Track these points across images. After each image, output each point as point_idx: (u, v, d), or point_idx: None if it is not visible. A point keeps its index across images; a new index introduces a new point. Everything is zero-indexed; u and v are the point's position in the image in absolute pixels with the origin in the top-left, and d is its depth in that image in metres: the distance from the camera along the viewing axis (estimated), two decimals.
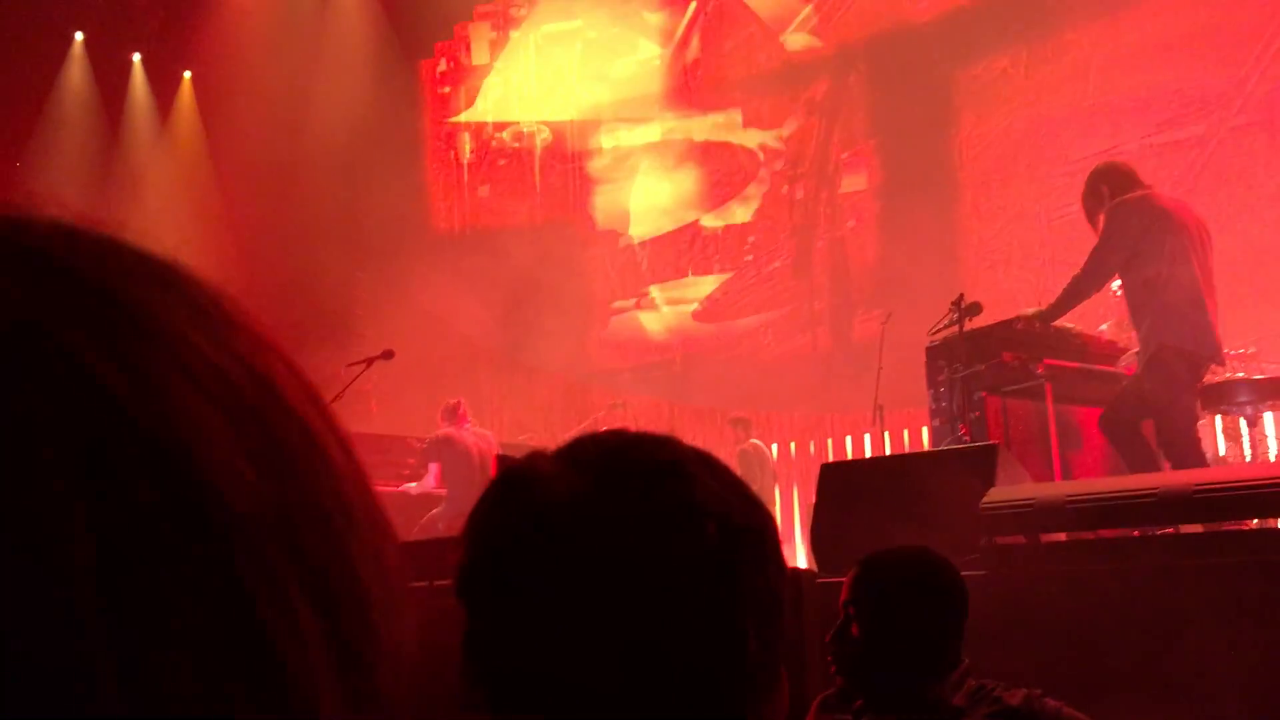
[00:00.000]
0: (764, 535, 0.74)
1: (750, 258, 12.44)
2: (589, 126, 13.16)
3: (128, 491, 0.29)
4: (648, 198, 12.83)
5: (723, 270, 12.53)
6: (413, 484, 8.15)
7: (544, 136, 13.29)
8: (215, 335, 0.34)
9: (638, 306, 12.80)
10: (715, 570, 0.69)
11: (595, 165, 13.06)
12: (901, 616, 2.08)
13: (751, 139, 12.56)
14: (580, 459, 0.74)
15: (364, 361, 7.81)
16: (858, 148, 11.92)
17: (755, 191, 12.50)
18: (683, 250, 12.69)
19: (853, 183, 11.93)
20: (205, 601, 0.29)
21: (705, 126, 12.71)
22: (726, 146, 12.64)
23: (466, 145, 13.54)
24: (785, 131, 12.34)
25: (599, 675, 0.68)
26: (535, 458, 0.76)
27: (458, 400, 8.34)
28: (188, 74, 12.75)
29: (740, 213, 12.56)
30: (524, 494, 0.73)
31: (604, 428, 0.91)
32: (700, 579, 0.69)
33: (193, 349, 0.33)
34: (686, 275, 12.63)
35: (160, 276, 0.35)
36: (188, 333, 0.33)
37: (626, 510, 0.70)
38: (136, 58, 12.57)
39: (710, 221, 12.65)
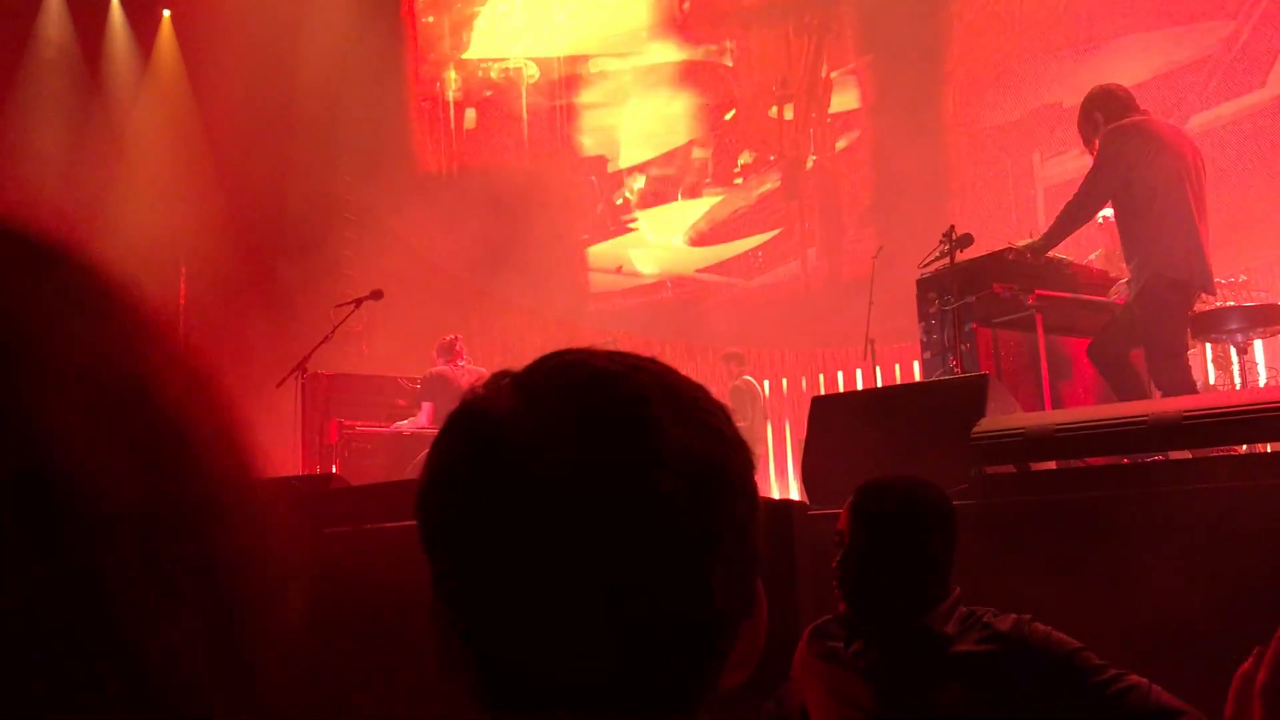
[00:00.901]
0: (728, 473, 0.71)
1: (740, 181, 12.40)
2: (577, 61, 13.01)
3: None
4: (636, 123, 12.74)
5: (712, 194, 12.49)
6: (404, 422, 8.16)
7: (530, 73, 13.13)
8: (87, 329, 0.34)
9: (628, 233, 12.77)
10: (672, 514, 0.68)
11: (583, 93, 12.94)
12: (897, 544, 2.10)
13: (740, 59, 12.44)
14: (539, 393, 0.71)
15: (353, 302, 7.79)
16: (847, 67, 11.83)
17: (744, 113, 12.41)
18: (672, 175, 12.63)
19: (842, 102, 11.85)
20: (62, 597, 0.28)
21: (693, 52, 12.59)
22: (715, 68, 12.53)
23: (453, 82, 13.37)
24: (774, 52, 12.23)
25: (548, 619, 0.67)
26: (495, 388, 0.73)
27: (454, 337, 8.31)
28: (167, 12, 12.54)
29: (729, 135, 12.49)
30: (478, 430, 0.71)
31: None
32: (656, 523, 0.67)
33: (57, 345, 0.32)
34: (676, 199, 12.59)
35: (36, 263, 0.35)
36: (55, 327, 0.32)
37: (580, 453, 0.68)
38: None
39: (699, 145, 12.58)
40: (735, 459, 0.73)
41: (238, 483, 0.36)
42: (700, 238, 12.53)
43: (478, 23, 13.38)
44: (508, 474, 0.68)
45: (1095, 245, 6.71)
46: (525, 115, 13.11)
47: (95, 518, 0.29)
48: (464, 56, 13.39)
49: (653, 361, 0.75)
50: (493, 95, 13.24)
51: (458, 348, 8.25)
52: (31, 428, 0.29)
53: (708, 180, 12.55)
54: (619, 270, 12.71)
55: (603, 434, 0.69)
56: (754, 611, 0.74)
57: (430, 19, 13.43)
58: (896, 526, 2.11)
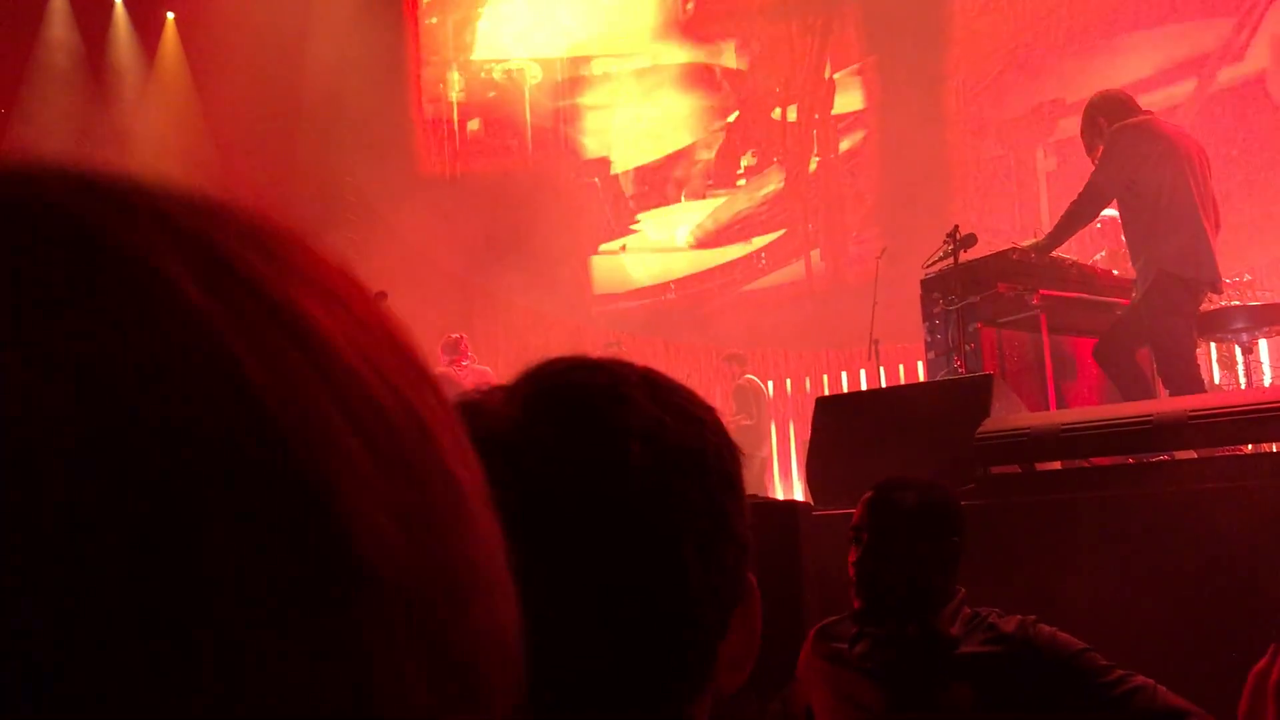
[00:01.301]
0: (704, 455, 0.71)
1: (743, 182, 12.40)
2: (580, 62, 13.02)
3: (252, 509, 0.24)
4: (639, 125, 12.75)
5: (715, 196, 12.50)
6: None
7: (533, 74, 13.14)
8: (360, 344, 0.28)
9: (631, 235, 12.78)
10: (642, 494, 0.68)
11: (586, 94, 12.95)
12: (918, 543, 2.09)
13: (743, 61, 12.45)
14: (519, 387, 0.73)
15: None
16: (851, 68, 11.84)
17: (747, 115, 12.42)
18: (675, 176, 12.65)
19: (846, 103, 11.86)
20: (318, 669, 0.24)
21: (697, 53, 12.60)
22: (718, 69, 12.54)
23: (456, 83, 13.38)
24: (777, 53, 12.24)
25: (531, 601, 0.67)
26: (490, 390, 0.74)
27: (460, 336, 8.28)
28: (171, 15, 12.57)
29: (733, 136, 12.50)
30: (468, 424, 0.71)
31: None
32: (626, 504, 0.68)
33: (334, 354, 0.27)
34: (679, 201, 12.60)
35: (317, 281, 0.29)
36: (345, 352, 0.27)
37: (551, 436, 0.69)
38: (119, 1, 12.39)
39: (702, 146, 12.59)
40: (714, 444, 0.73)
41: (500, 555, 0.32)
42: (703, 239, 12.54)
43: (481, 24, 13.39)
44: (492, 464, 0.68)
45: (1100, 246, 6.70)
46: (528, 116, 13.11)
47: (366, 576, 0.25)
48: (467, 58, 13.39)
49: (642, 366, 0.76)
50: (496, 96, 13.25)
51: (463, 347, 8.22)
52: (314, 443, 0.25)
53: (710, 182, 12.56)
54: (623, 250, 12.71)
55: (575, 411, 0.70)
56: (745, 603, 0.74)
57: (434, 20, 13.44)
58: (918, 525, 2.10)
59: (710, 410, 0.75)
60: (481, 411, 0.72)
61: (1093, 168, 5.25)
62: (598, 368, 0.73)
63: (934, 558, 2.10)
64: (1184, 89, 9.61)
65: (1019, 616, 2.09)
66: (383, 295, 7.78)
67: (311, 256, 0.31)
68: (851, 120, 11.88)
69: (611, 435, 0.69)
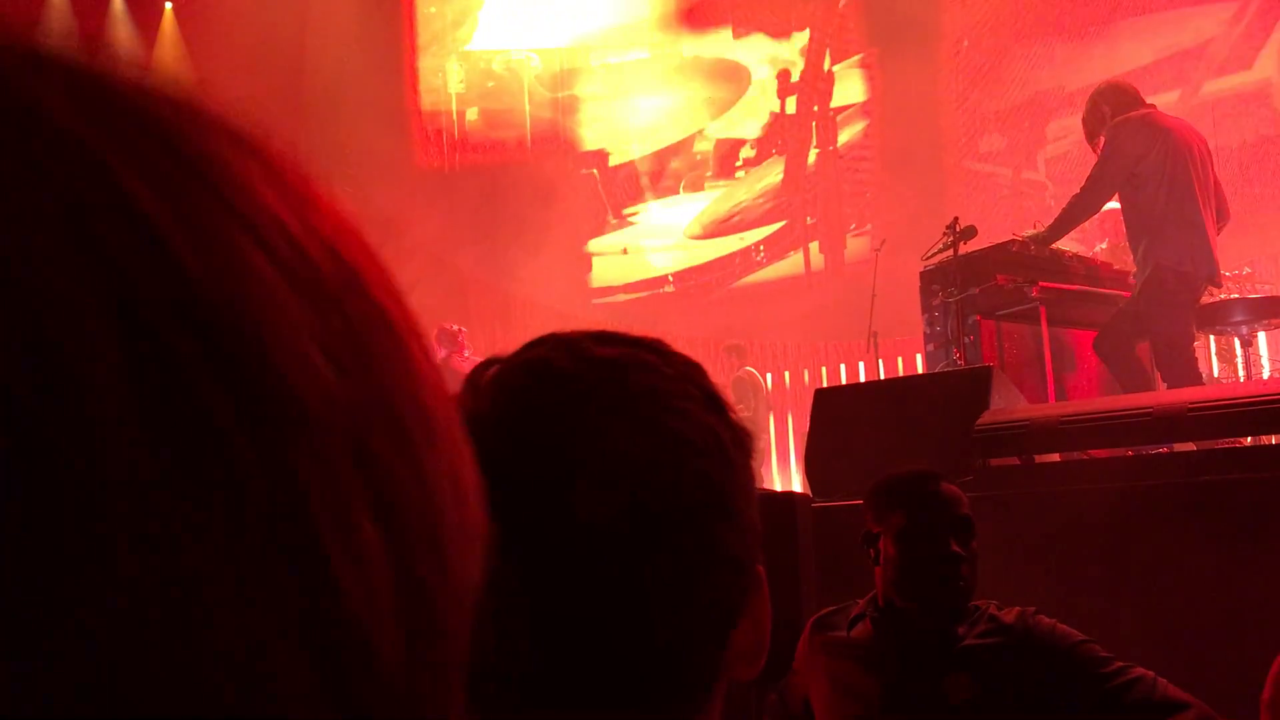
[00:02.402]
0: (713, 456, 0.69)
1: (742, 174, 12.40)
2: (580, 53, 13.00)
3: (172, 362, 0.23)
4: (638, 116, 12.73)
5: (714, 188, 12.49)
6: None
7: (533, 65, 13.12)
8: (293, 203, 0.28)
9: (629, 227, 12.77)
10: (654, 501, 0.66)
11: (585, 86, 12.93)
12: (962, 535, 2.08)
13: (742, 53, 12.44)
14: (485, 380, 0.71)
15: None
16: (851, 60, 11.84)
17: (747, 107, 12.41)
18: (674, 168, 12.64)
19: (845, 95, 11.86)
20: (252, 508, 0.23)
21: (696, 44, 12.58)
22: (718, 62, 12.52)
23: (455, 73, 13.36)
24: (777, 45, 12.23)
25: (509, 616, 0.66)
26: (478, 377, 0.73)
27: (458, 328, 8.16)
28: (169, 5, 12.54)
29: (732, 128, 12.49)
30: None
31: None
32: (635, 509, 0.66)
33: (265, 212, 0.27)
34: (678, 193, 12.59)
35: (232, 131, 0.30)
36: (261, 193, 0.27)
37: (552, 436, 0.67)
38: None
39: (701, 138, 12.58)
40: (725, 440, 0.70)
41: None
42: (702, 231, 12.53)
43: (480, 14, 13.36)
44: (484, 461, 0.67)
45: (1102, 236, 6.71)
46: (528, 108, 13.09)
47: (300, 412, 0.24)
48: (466, 48, 13.37)
49: (646, 349, 0.74)
50: (495, 87, 13.23)
51: (461, 338, 8.10)
52: (238, 294, 0.24)
53: (709, 174, 12.55)
54: (624, 252, 12.70)
55: (539, 438, 0.68)
56: (753, 594, 0.73)
57: (432, 9, 13.41)
58: (968, 521, 2.09)
59: (717, 399, 0.73)
60: (466, 403, 0.71)
61: (1093, 155, 5.25)
62: (570, 379, 0.70)
63: (972, 550, 2.09)
64: (1185, 81, 9.61)
65: (1018, 608, 2.09)
66: None
67: (269, 145, 0.30)
68: (851, 112, 11.87)
69: (617, 430, 0.67)
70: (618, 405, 0.69)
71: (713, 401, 0.73)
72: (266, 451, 0.24)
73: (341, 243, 0.29)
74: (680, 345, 0.76)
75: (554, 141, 12.95)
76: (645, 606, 0.67)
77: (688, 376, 0.73)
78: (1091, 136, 5.32)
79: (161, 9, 12.53)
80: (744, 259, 12.29)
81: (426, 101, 13.36)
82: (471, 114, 13.27)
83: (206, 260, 0.24)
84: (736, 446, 0.72)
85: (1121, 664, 1.97)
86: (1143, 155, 5.01)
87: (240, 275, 0.24)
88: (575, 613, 0.66)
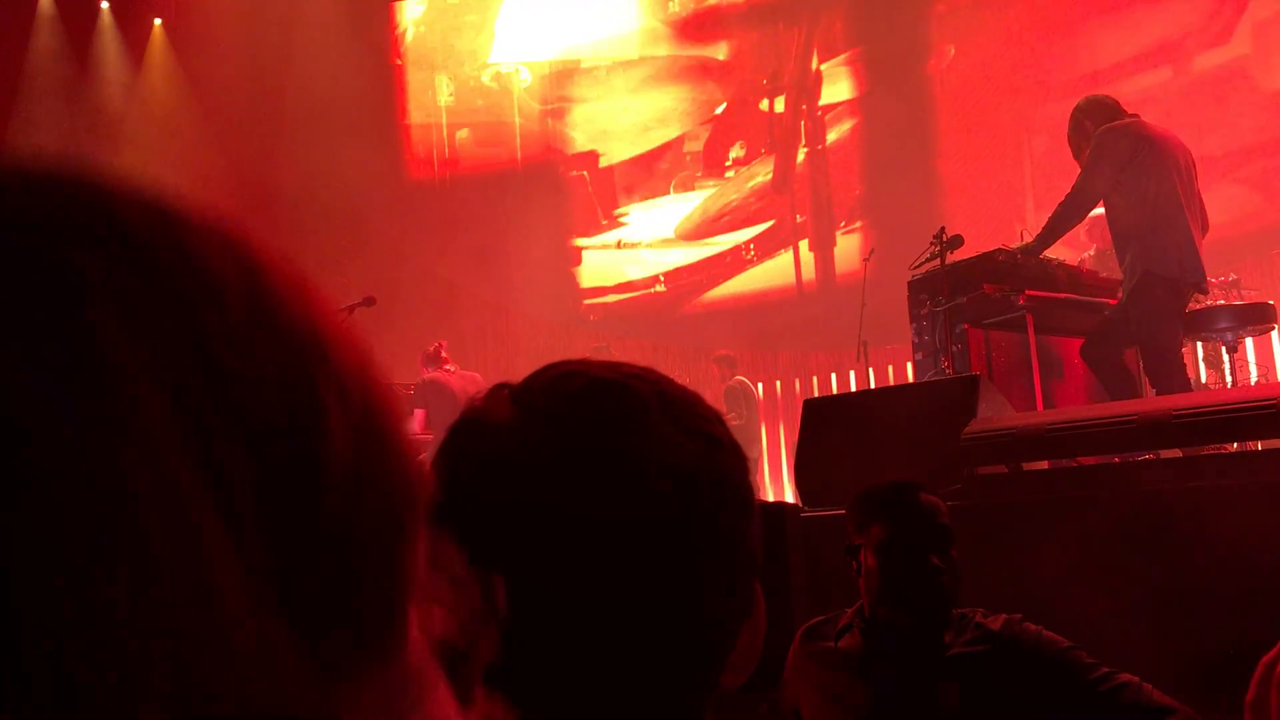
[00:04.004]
0: (722, 479, 0.71)
1: (731, 174, 12.43)
2: (568, 59, 13.03)
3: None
4: (627, 117, 12.76)
5: (704, 188, 12.52)
6: None
7: (522, 76, 13.14)
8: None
9: (619, 228, 12.79)
10: (664, 526, 0.68)
11: (574, 89, 12.95)
12: (943, 544, 2.08)
13: (730, 52, 12.48)
14: (536, 405, 0.72)
15: (345, 309, 7.79)
16: (838, 59, 11.89)
17: (735, 106, 12.45)
18: (664, 169, 12.66)
19: (833, 94, 11.91)
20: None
21: (685, 45, 12.62)
22: (706, 61, 12.56)
23: (444, 86, 13.38)
24: (764, 44, 12.28)
25: (545, 629, 0.67)
26: (494, 400, 0.74)
27: (438, 344, 8.29)
28: (158, 21, 12.53)
29: (721, 128, 12.52)
30: (476, 443, 0.72)
31: None
32: (647, 535, 0.67)
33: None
34: (668, 193, 12.62)
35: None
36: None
37: (575, 464, 0.68)
38: (105, 5, 12.35)
39: (690, 138, 12.61)
40: (729, 465, 0.73)
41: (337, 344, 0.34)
42: (692, 231, 12.55)
43: (469, 29, 13.39)
44: (506, 488, 0.69)
45: (1089, 244, 6.74)
46: (517, 119, 13.11)
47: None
48: (456, 62, 13.39)
49: (648, 371, 0.75)
50: (484, 101, 13.25)
51: (443, 354, 8.23)
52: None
53: (699, 174, 12.58)
54: (619, 245, 12.71)
55: (596, 443, 0.69)
56: (751, 614, 0.74)
57: (422, 28, 13.45)
58: (948, 530, 2.10)
59: (719, 418, 0.75)
60: (484, 430, 0.72)
61: (1078, 169, 5.27)
62: (612, 385, 0.72)
63: (959, 560, 2.10)
64: (1165, 71, 9.67)
65: (1005, 615, 2.10)
66: (371, 300, 7.80)
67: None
68: (839, 111, 11.91)
69: (635, 465, 0.68)
70: (663, 411, 0.71)
71: (718, 426, 0.75)
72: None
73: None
74: (671, 355, 0.78)
75: (544, 148, 12.96)
76: (637, 612, 0.68)
77: (691, 399, 0.75)
78: (1077, 151, 5.34)
79: (150, 23, 12.52)
80: (734, 258, 12.31)
81: (415, 116, 13.38)
82: (461, 129, 13.29)
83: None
84: (737, 466, 0.75)
85: (1108, 670, 1.98)
86: (1127, 162, 5.04)
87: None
88: (566, 617, 0.67)
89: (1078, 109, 5.35)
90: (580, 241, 12.82)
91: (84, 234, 0.29)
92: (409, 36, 13.44)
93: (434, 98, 13.34)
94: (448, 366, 8.11)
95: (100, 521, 0.25)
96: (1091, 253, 6.68)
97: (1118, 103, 5.31)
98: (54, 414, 0.26)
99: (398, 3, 13.45)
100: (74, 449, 0.26)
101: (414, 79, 13.42)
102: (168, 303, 0.29)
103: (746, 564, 0.73)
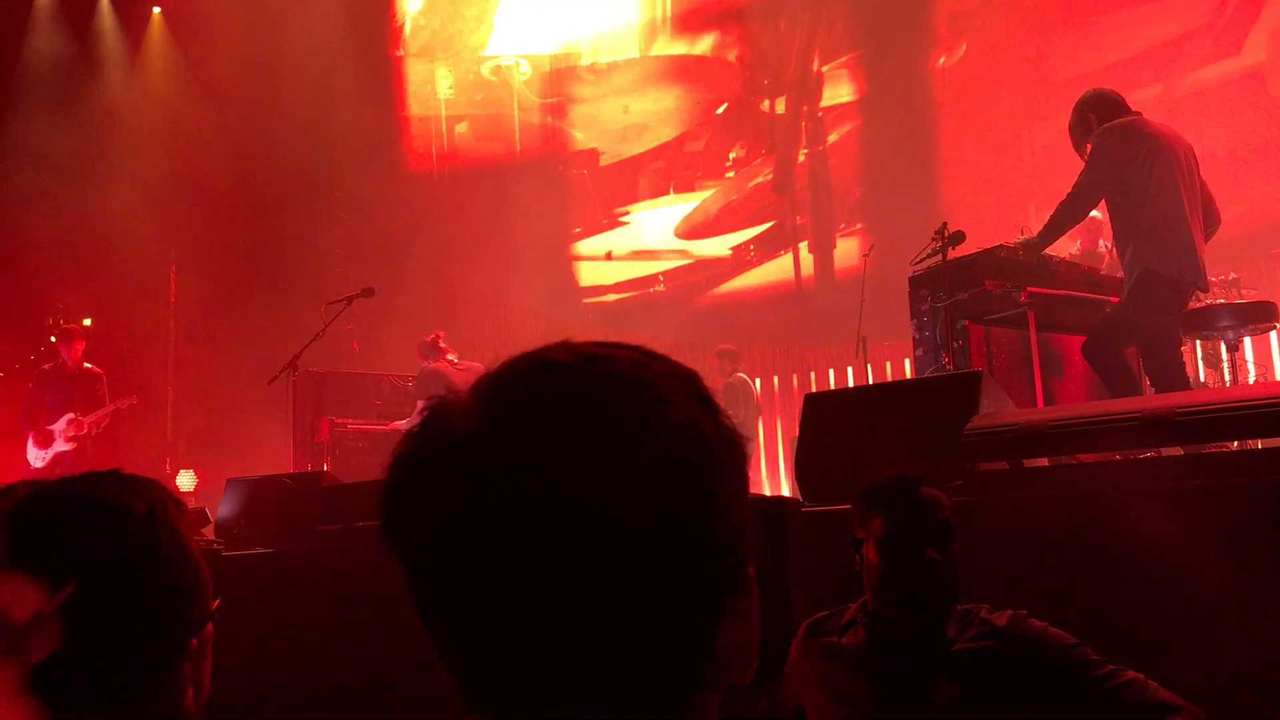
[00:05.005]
0: (690, 464, 0.69)
1: (732, 174, 12.42)
2: (569, 55, 13.00)
3: None
4: (628, 117, 12.74)
5: (704, 188, 12.51)
6: (402, 421, 8.15)
7: (522, 69, 13.12)
8: None
9: (620, 227, 12.78)
10: (630, 504, 0.66)
11: (575, 88, 12.93)
12: (943, 536, 2.08)
13: (731, 54, 12.46)
14: (498, 395, 0.70)
15: (344, 300, 7.77)
16: (839, 60, 11.88)
17: (736, 107, 12.43)
18: (664, 168, 12.65)
19: (835, 95, 11.89)
20: None
21: (687, 46, 12.60)
22: (707, 62, 12.54)
23: (444, 79, 13.35)
24: (766, 46, 12.25)
25: (514, 622, 0.66)
26: (465, 393, 0.72)
27: (434, 335, 8.30)
28: (157, 10, 12.50)
29: (722, 128, 12.51)
30: (437, 423, 0.71)
31: None
32: (609, 518, 0.66)
33: None
34: (668, 193, 12.61)
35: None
36: None
37: (533, 452, 0.67)
38: None
39: (691, 138, 12.60)
40: (710, 442, 0.71)
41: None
42: (692, 230, 12.54)
43: (468, 22, 13.36)
44: (460, 483, 0.67)
45: (1070, 244, 6.76)
46: (516, 112, 13.09)
47: None
48: (455, 55, 13.36)
49: (633, 350, 0.73)
50: (484, 94, 13.22)
51: (441, 345, 8.22)
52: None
53: (699, 174, 12.56)
54: (608, 256, 12.71)
55: (555, 430, 0.68)
56: (741, 594, 0.73)
57: (421, 21, 13.41)
58: (949, 524, 2.09)
59: (701, 399, 0.73)
60: (441, 422, 0.70)
61: (1082, 162, 5.26)
62: (571, 371, 0.70)
63: (959, 555, 2.10)
64: (1167, 71, 9.67)
65: (1010, 611, 2.10)
66: (370, 291, 7.79)
67: None
68: (840, 112, 11.90)
69: (593, 435, 0.67)
70: (598, 391, 0.69)
71: (701, 400, 0.73)
72: None
73: None
74: (671, 350, 0.77)
75: (544, 143, 12.94)
76: (625, 595, 0.66)
77: (676, 375, 0.73)
78: (1079, 145, 5.34)
79: (149, 12, 12.49)
80: (734, 258, 12.31)
81: (415, 108, 13.35)
82: (460, 120, 13.26)
83: None
84: (724, 444, 0.72)
85: (1113, 667, 1.97)
86: (1130, 161, 5.03)
87: None
88: (554, 606, 0.66)
89: (1082, 102, 5.33)
90: (580, 242, 12.82)
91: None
92: (408, 29, 13.40)
93: (433, 90, 13.31)
94: (449, 357, 8.11)
95: None
96: (1075, 250, 6.68)
97: (1122, 98, 5.29)
98: None
99: None
100: None
101: (413, 71, 13.39)
102: None
103: (720, 539, 0.71)
